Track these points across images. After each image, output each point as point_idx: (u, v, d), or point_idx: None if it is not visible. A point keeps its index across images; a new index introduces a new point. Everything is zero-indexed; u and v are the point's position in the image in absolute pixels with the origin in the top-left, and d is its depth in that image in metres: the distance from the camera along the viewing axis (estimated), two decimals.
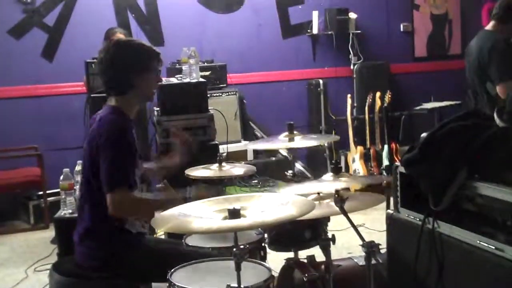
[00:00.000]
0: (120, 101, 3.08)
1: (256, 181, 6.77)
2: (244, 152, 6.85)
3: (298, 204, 2.31)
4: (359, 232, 2.55)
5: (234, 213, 2.25)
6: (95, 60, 5.21)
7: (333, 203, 2.73)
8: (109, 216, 2.90)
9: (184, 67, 4.82)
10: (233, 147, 6.37)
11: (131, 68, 3.04)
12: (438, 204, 2.04)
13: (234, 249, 2.29)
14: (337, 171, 2.56)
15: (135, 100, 3.13)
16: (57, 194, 6.51)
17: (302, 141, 3.60)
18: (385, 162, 7.15)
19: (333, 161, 2.57)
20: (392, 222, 2.44)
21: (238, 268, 2.30)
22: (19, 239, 6.22)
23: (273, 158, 7.26)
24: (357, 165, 7.16)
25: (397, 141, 7.33)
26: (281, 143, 3.58)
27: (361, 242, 2.47)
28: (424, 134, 2.08)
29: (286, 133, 3.64)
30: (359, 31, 7.91)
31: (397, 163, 2.33)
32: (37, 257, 5.48)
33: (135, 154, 3.04)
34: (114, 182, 2.86)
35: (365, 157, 7.18)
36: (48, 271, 4.92)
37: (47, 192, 6.48)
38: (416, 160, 2.09)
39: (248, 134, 7.29)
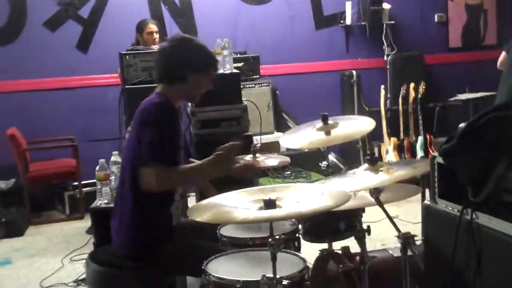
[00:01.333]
0: (167, 90, 3.11)
1: (289, 172, 6.78)
2: (277, 143, 6.85)
3: (334, 195, 2.30)
4: (394, 224, 2.54)
5: (270, 204, 2.26)
6: (129, 52, 5.28)
7: (368, 194, 2.73)
8: (150, 206, 2.93)
9: (218, 58, 4.82)
10: (266, 138, 6.38)
11: (189, 64, 3.09)
12: (477, 195, 2.02)
13: (270, 240, 2.30)
14: (373, 162, 2.55)
15: (181, 94, 3.16)
16: (92, 184, 6.61)
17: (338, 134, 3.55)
18: (419, 153, 7.12)
19: (368, 153, 2.55)
20: (429, 213, 2.41)
21: (274, 259, 2.30)
22: (55, 229, 6.31)
23: (306, 150, 7.25)
24: (391, 157, 7.13)
25: (432, 133, 7.29)
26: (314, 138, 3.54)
27: (395, 234, 2.46)
28: (462, 125, 2.06)
29: (321, 124, 3.61)
30: (392, 22, 7.86)
31: (435, 153, 2.30)
32: (73, 247, 5.56)
33: (179, 136, 3.08)
34: (152, 157, 2.87)
35: (399, 149, 7.14)
36: (83, 261, 5.07)
37: (82, 182, 6.56)
38: (454, 150, 2.06)
39: (281, 126, 7.29)
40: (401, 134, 7.22)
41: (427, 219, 2.44)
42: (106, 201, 3.59)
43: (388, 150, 7.19)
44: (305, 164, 6.92)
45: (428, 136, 7.20)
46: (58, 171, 6.67)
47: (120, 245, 3.06)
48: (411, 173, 2.44)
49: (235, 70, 4.81)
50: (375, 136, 7.29)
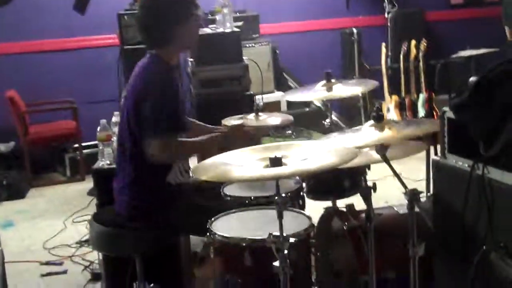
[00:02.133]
0: (160, 51, 3.06)
1: (290, 131, 6.74)
2: (277, 103, 6.81)
3: (340, 152, 2.27)
4: (401, 180, 2.51)
5: (276, 161, 2.23)
6: (127, 12, 5.21)
7: (372, 152, 2.70)
8: (152, 167, 2.91)
9: (217, 17, 4.76)
10: (266, 98, 6.33)
11: (171, 21, 3.01)
12: (489, 150, 1.99)
13: (276, 198, 2.27)
14: (379, 119, 2.51)
15: (176, 50, 3.12)
16: (93, 146, 6.60)
17: (340, 90, 3.53)
18: (421, 111, 7.08)
19: (374, 108, 2.50)
20: (438, 169, 2.38)
21: (280, 217, 2.28)
22: (56, 191, 6.32)
23: (307, 109, 7.22)
24: (392, 115, 7.09)
25: (433, 90, 7.23)
26: (318, 93, 3.52)
27: (399, 191, 2.44)
28: (473, 78, 2.02)
29: (324, 81, 3.59)
30: None
31: (445, 108, 2.26)
32: (75, 208, 5.57)
33: (180, 100, 3.04)
34: (156, 128, 2.86)
35: (400, 107, 7.10)
36: (86, 222, 5.07)
37: (82, 144, 6.54)
38: (466, 104, 2.03)
39: (281, 85, 7.24)
40: (403, 92, 7.17)
41: (437, 174, 2.41)
42: (108, 162, 3.56)
43: (390, 108, 7.14)
44: (306, 124, 6.88)
45: (429, 94, 7.15)
46: (58, 133, 6.66)
47: (123, 206, 3.05)
48: (417, 132, 2.40)
49: (235, 29, 4.75)
50: (376, 94, 7.23)
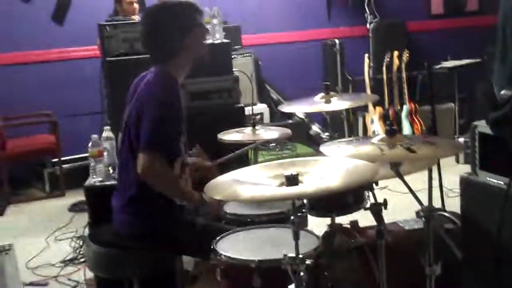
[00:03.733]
0: (169, 65, 2.95)
1: (274, 144, 6.64)
2: (261, 115, 6.72)
3: (359, 169, 2.18)
4: (417, 197, 2.42)
5: (292, 179, 2.12)
6: (109, 23, 5.07)
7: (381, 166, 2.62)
8: None
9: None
10: (248, 111, 6.22)
11: (176, 34, 2.93)
12: None
13: (292, 217, 2.17)
14: (392, 134, 2.42)
15: (186, 62, 3.01)
16: (73, 161, 6.47)
17: (339, 102, 3.44)
18: (405, 122, 7.04)
19: (387, 122, 2.41)
20: (468, 186, 2.30)
21: (296, 237, 2.18)
22: (36, 207, 6.16)
23: (290, 121, 7.13)
24: (376, 126, 7.04)
25: (416, 101, 7.21)
26: (317, 105, 3.43)
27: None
28: (506, 92, 1.94)
29: (322, 94, 3.50)
30: None
31: (476, 122, 2.18)
32: (56, 225, 5.41)
33: (181, 121, 2.92)
34: (152, 143, 2.75)
35: (384, 118, 7.05)
36: (69, 240, 4.93)
37: (62, 159, 6.39)
38: (507, 118, 1.95)
39: (263, 97, 7.15)
40: (386, 103, 7.12)
41: (466, 192, 2.33)
42: (100, 179, 3.43)
43: (373, 119, 7.10)
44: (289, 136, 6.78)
45: (412, 105, 7.13)
46: (37, 148, 6.49)
47: (123, 223, 2.92)
48: (434, 155, 2.32)
49: (225, 40, 4.64)
50: (359, 106, 7.17)
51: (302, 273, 2.19)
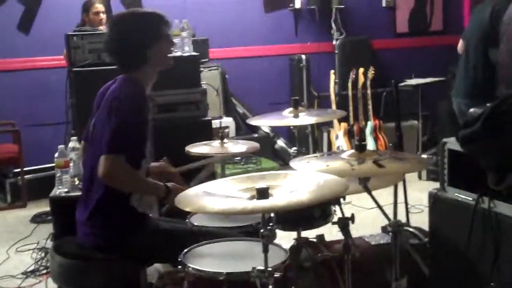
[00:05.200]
0: (136, 73, 2.95)
1: (239, 158, 6.65)
2: (226, 128, 6.72)
3: (330, 183, 2.19)
4: (384, 212, 2.46)
5: (263, 193, 2.13)
6: (76, 33, 5.04)
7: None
8: (118, 194, 2.77)
9: (176, 40, 4.64)
10: (215, 123, 6.22)
11: (142, 43, 2.92)
12: (500, 183, 1.95)
13: (262, 231, 2.18)
14: (361, 149, 2.45)
15: (152, 72, 3.00)
16: (35, 171, 6.38)
17: (307, 117, 3.47)
18: (369, 138, 7.11)
19: (356, 138, 2.45)
20: (436, 202, 2.34)
21: (266, 250, 2.19)
22: None
23: (255, 135, 7.15)
24: (341, 142, 7.10)
25: (380, 118, 7.29)
26: (286, 119, 3.45)
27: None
28: (474, 110, 1.98)
29: (291, 108, 3.52)
30: (342, 6, 7.77)
31: (446, 139, 2.22)
32: (18, 236, 5.31)
33: (147, 127, 2.91)
34: (112, 146, 2.73)
35: (349, 134, 7.11)
36: (30, 252, 4.85)
37: (25, 169, 6.29)
38: (477, 136, 1.98)
39: (229, 110, 7.16)
40: (351, 119, 7.18)
41: (435, 208, 2.36)
42: (66, 190, 3.39)
43: (338, 135, 7.15)
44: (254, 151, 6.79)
45: (377, 121, 7.20)
46: None
47: (87, 236, 2.89)
48: (404, 170, 2.35)
49: (194, 53, 4.64)
50: (324, 121, 7.21)
51: (270, 286, 2.20)
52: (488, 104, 1.98)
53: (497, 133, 1.93)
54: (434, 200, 2.36)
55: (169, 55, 3.08)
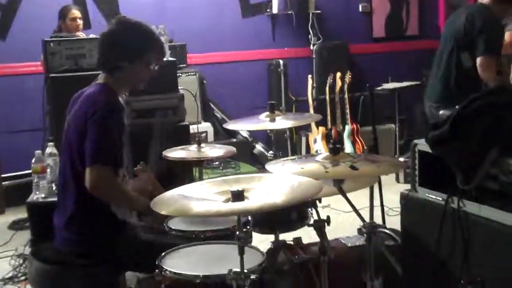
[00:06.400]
0: (109, 80, 2.96)
1: (217, 162, 6.66)
2: (204, 133, 6.74)
3: (304, 185, 2.23)
4: (359, 213, 2.49)
5: (238, 195, 2.16)
6: (53, 39, 5.04)
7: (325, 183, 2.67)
8: (95, 200, 2.78)
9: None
10: (193, 129, 6.24)
11: (121, 52, 2.93)
12: (469, 183, 1.99)
13: (238, 233, 2.20)
14: (336, 152, 2.48)
15: (122, 83, 3.01)
16: (13, 178, 6.35)
17: (284, 121, 3.50)
18: (347, 142, 7.16)
19: (331, 141, 2.48)
20: (408, 202, 2.37)
21: (241, 253, 2.21)
22: None
23: (234, 140, 7.17)
24: (319, 146, 7.14)
25: (357, 122, 7.35)
26: (262, 123, 3.48)
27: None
28: (444, 112, 2.02)
29: (267, 113, 3.55)
30: (318, 11, 7.83)
31: (416, 141, 2.26)
32: None
33: (123, 132, 2.92)
34: (97, 157, 2.74)
35: (327, 138, 7.15)
36: (8, 258, 4.83)
37: (2, 175, 6.26)
38: (445, 138, 2.02)
39: (208, 116, 7.18)
40: (329, 123, 7.23)
41: (406, 208, 2.40)
42: (43, 195, 3.40)
43: (317, 139, 7.19)
44: (233, 155, 6.81)
45: (354, 125, 7.26)
46: None
47: (65, 242, 2.89)
48: (377, 172, 2.39)
49: (171, 58, 4.66)
50: (302, 125, 7.26)
51: None
52: (457, 107, 2.03)
53: (464, 134, 1.97)
54: (406, 201, 2.40)
55: (139, 80, 3.07)
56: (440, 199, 2.19)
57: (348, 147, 7.15)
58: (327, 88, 7.29)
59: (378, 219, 4.14)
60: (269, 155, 3.57)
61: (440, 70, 4.57)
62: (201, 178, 3.77)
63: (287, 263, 3.03)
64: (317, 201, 3.01)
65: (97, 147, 2.75)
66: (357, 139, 7.24)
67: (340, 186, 2.50)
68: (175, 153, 3.51)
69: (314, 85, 7.57)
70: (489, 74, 4.21)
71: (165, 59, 4.59)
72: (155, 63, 3.08)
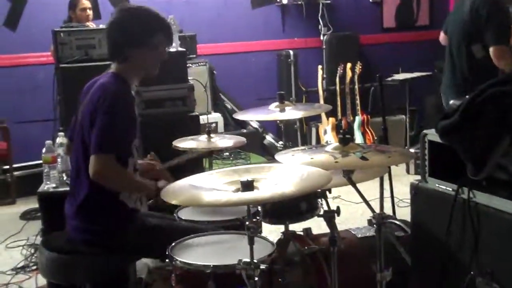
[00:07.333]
0: (121, 69, 2.95)
1: (228, 153, 6.66)
2: (214, 124, 6.74)
3: (313, 175, 2.22)
4: (369, 204, 2.49)
5: (248, 185, 2.16)
6: (64, 29, 5.05)
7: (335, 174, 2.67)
8: (104, 190, 2.79)
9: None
10: (203, 119, 6.24)
11: (128, 38, 2.91)
12: (479, 173, 1.98)
13: (247, 223, 2.20)
14: (346, 142, 2.47)
15: (134, 72, 3.00)
16: (24, 168, 6.38)
17: (293, 112, 3.50)
18: (357, 133, 7.15)
19: (341, 131, 2.48)
20: (418, 193, 2.37)
21: (251, 243, 2.21)
22: None
23: (244, 130, 7.16)
24: (329, 137, 7.13)
25: (368, 113, 7.33)
26: (272, 114, 3.48)
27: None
28: (454, 101, 2.01)
29: (277, 103, 3.55)
30: (328, 1, 7.81)
31: (426, 131, 2.25)
32: (7, 233, 5.31)
33: (134, 124, 2.92)
34: (102, 145, 2.74)
35: (337, 129, 7.14)
36: (20, 248, 4.87)
37: (14, 166, 6.29)
38: (455, 127, 2.01)
39: (218, 106, 7.18)
40: (339, 114, 7.22)
41: (416, 199, 2.39)
42: (54, 185, 3.41)
43: (327, 130, 7.19)
44: (243, 145, 6.81)
45: (365, 116, 7.24)
46: None
47: (75, 230, 2.90)
48: (386, 162, 2.38)
49: (180, 48, 4.66)
50: (313, 116, 7.24)
51: (256, 278, 2.22)
52: (467, 96, 2.02)
53: (474, 123, 1.96)
54: (416, 191, 2.39)
55: (152, 65, 3.05)
56: (450, 189, 2.18)
57: (358, 138, 7.14)
58: (337, 79, 7.27)
59: (388, 211, 4.15)
60: (279, 145, 3.56)
61: (453, 64, 4.53)
62: (211, 169, 3.78)
63: (296, 253, 3.04)
64: (327, 192, 3.06)
65: (102, 135, 2.75)
66: (367, 130, 7.22)
67: (349, 177, 2.49)
68: (185, 143, 3.51)
69: (324, 75, 7.56)
70: (505, 62, 4.16)
71: (175, 49, 4.62)
72: (164, 45, 3.05)
